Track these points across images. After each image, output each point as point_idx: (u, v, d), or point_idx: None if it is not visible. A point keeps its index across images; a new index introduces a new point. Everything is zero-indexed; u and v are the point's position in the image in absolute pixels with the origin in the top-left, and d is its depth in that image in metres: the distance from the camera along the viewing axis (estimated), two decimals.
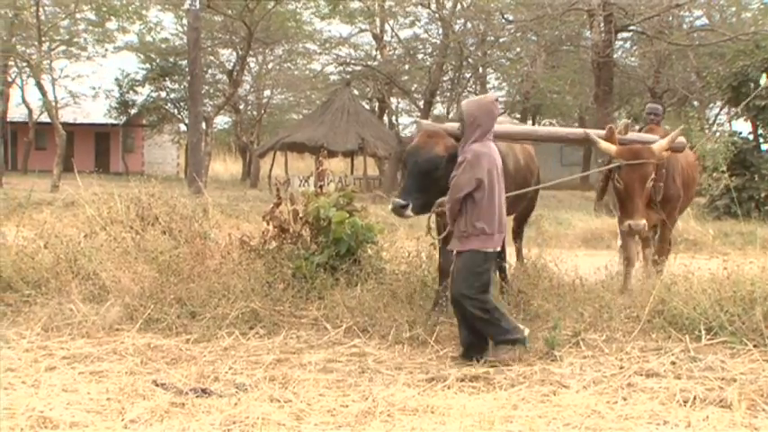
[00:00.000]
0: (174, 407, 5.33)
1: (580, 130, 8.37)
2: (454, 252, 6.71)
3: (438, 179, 6.86)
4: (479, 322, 6.57)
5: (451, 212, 6.61)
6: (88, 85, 47.83)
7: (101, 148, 48.25)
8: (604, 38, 24.50)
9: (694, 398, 5.67)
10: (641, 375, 6.31)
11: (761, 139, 24.48)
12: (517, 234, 9.57)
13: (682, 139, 8.40)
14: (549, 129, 9.52)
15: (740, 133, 25.19)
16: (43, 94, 32.01)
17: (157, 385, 5.79)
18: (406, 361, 6.73)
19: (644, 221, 7.66)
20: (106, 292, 8.11)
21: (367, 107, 41.25)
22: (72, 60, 40.17)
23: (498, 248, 6.70)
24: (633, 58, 37.28)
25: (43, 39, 33.13)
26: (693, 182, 9.51)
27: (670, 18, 29.97)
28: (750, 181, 22.53)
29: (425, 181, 6.93)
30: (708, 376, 6.21)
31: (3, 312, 7.95)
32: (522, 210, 9.27)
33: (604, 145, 7.81)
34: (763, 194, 22.38)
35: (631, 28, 27.67)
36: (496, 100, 6.85)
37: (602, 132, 8.13)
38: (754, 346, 6.86)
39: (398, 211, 6.92)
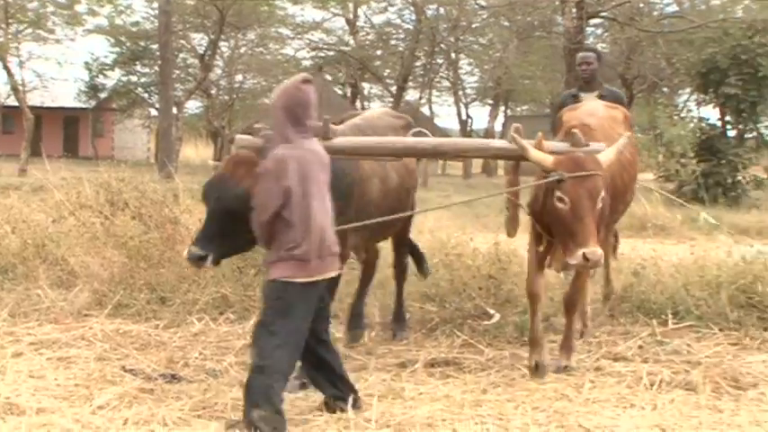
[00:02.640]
0: (142, 392, 5.32)
1: (498, 142, 6.38)
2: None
3: (248, 221, 5.02)
4: (250, 374, 4.82)
5: (263, 239, 4.96)
6: (56, 69, 47.24)
7: (70, 132, 47.80)
8: (576, 24, 24.53)
9: (660, 381, 5.76)
10: (609, 359, 6.40)
11: (728, 126, 24.70)
12: (399, 255, 7.51)
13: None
14: (452, 141, 7.10)
15: (708, 120, 25.42)
16: (10, 77, 31.64)
17: (126, 371, 5.78)
18: (377, 346, 6.77)
19: (601, 250, 5.57)
20: (75, 277, 8.07)
21: (339, 92, 41.17)
22: (40, 43, 39.73)
23: (321, 277, 4.87)
24: (604, 45, 37.41)
25: (10, 21, 32.73)
26: (629, 184, 6.99)
27: (641, 5, 30.11)
28: (717, 166, 22.71)
29: (230, 223, 5.18)
30: (674, 360, 6.30)
31: None
32: (399, 231, 7.25)
33: (537, 154, 5.82)
34: (729, 180, 22.60)
35: (603, 14, 27.75)
36: (306, 81, 5.06)
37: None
38: (720, 329, 6.98)
39: (195, 263, 5.28)
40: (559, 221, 5.70)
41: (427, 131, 6.96)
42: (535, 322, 6.18)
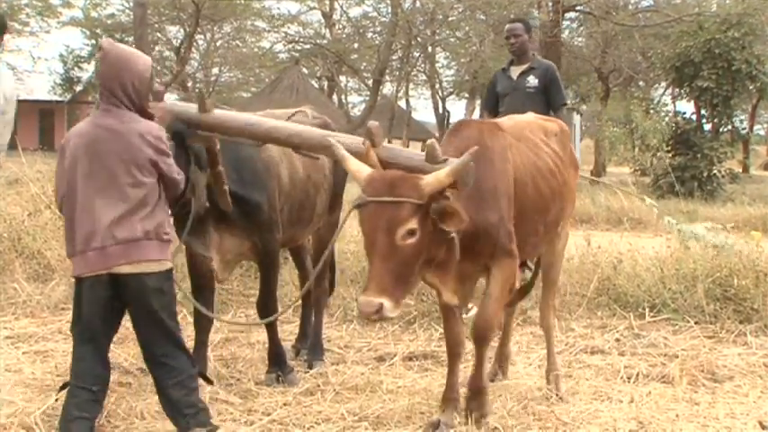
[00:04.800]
0: (120, 386, 5.30)
1: (318, 133, 5.00)
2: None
3: None
4: None
5: None
6: (31, 61, 46.88)
7: (45, 125, 47.37)
8: (552, 18, 24.65)
9: (638, 374, 5.81)
10: (586, 352, 6.44)
11: (703, 120, 24.88)
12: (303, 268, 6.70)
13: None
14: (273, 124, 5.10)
15: (684, 113, 25.59)
16: None
17: None
18: (355, 339, 6.77)
19: (381, 301, 4.07)
20: (51, 271, 8.01)
21: (316, 86, 41.07)
22: (14, 35, 39.35)
23: (99, 271, 4.14)
24: (580, 39, 37.56)
25: None
26: (555, 197, 5.29)
27: None
28: (693, 160, 22.88)
29: None
30: (651, 353, 6.36)
31: None
32: (302, 237, 6.37)
33: (354, 167, 4.45)
34: (705, 173, 22.76)
35: (578, 8, 27.88)
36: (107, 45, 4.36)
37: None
38: (696, 322, 7.03)
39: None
40: None
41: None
42: (453, 378, 5.00)
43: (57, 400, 4.68)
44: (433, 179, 4.29)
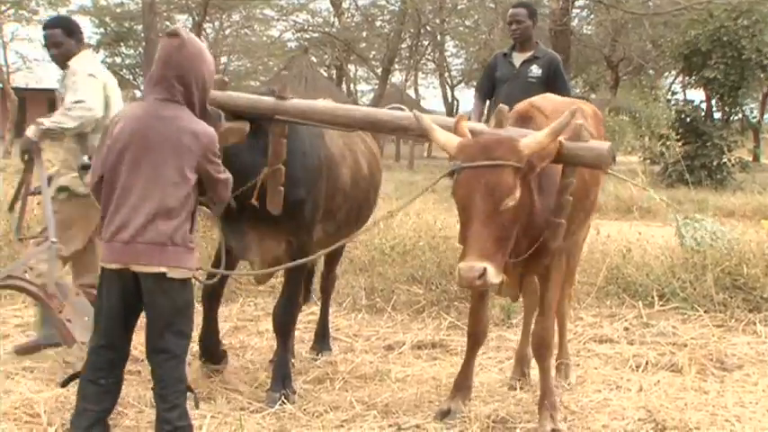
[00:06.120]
0: (130, 374, 5.29)
1: (399, 114, 4.92)
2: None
3: None
4: None
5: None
6: (40, 50, 46.95)
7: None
8: (561, 6, 24.50)
9: (646, 363, 5.81)
10: (595, 341, 6.44)
11: (713, 108, 24.77)
12: (332, 264, 6.44)
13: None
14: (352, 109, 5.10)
15: (693, 102, 25.49)
16: None
17: None
18: (364, 328, 6.78)
19: (484, 266, 3.96)
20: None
21: (325, 74, 41.05)
22: (23, 24, 39.39)
23: (113, 264, 4.03)
24: (590, 27, 37.44)
25: None
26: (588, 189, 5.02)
27: None
28: (702, 149, 22.81)
29: None
30: (660, 341, 6.36)
31: None
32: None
33: (441, 137, 4.40)
34: (714, 162, 22.69)
35: None
36: (170, 34, 4.23)
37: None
38: (705, 311, 7.01)
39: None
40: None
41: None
42: (469, 367, 5.08)
43: (63, 387, 4.67)
44: (531, 141, 4.19)
